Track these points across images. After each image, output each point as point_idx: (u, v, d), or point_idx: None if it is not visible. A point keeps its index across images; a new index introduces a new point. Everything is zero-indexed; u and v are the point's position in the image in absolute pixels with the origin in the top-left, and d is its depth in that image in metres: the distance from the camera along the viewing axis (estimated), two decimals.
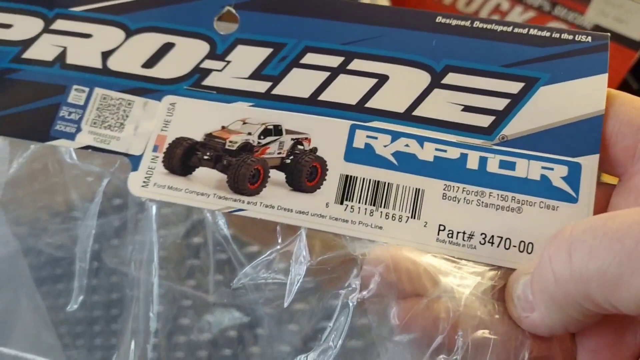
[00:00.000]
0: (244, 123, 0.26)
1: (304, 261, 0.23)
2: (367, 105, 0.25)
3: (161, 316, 0.26)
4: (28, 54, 0.28)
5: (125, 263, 0.25)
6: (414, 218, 0.24)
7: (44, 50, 0.28)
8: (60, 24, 0.28)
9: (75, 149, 0.26)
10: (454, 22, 0.26)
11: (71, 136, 0.26)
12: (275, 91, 0.26)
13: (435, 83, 0.25)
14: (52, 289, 0.28)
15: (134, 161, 0.25)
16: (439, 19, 0.27)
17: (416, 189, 0.24)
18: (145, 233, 0.25)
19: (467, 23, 0.26)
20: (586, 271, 0.19)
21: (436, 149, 0.24)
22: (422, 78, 0.26)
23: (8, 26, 0.29)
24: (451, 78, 0.25)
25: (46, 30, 0.28)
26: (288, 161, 0.25)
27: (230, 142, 0.25)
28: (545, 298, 0.21)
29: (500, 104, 0.25)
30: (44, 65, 0.27)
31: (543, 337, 0.22)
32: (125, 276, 0.26)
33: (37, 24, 0.28)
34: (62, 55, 0.28)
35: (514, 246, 0.23)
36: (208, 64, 0.27)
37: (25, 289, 0.29)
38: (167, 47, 0.27)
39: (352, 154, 0.25)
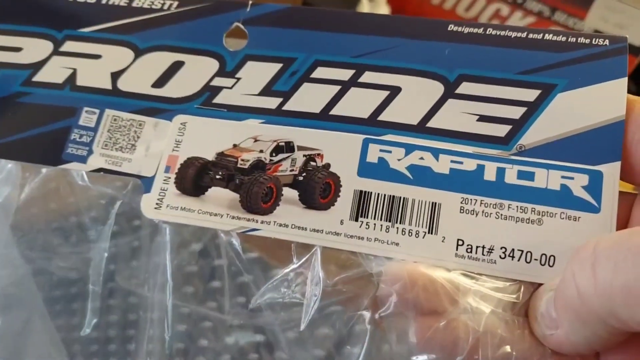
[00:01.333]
0: (256, 140, 0.25)
1: (320, 281, 0.23)
2: (380, 118, 0.25)
3: (176, 338, 0.25)
4: (38, 77, 0.28)
5: (139, 285, 0.25)
6: (431, 233, 0.23)
7: (54, 72, 0.28)
8: (69, 46, 0.28)
9: (87, 172, 0.26)
10: (467, 29, 0.26)
11: (83, 159, 0.26)
12: (286, 107, 0.26)
13: (449, 93, 0.25)
14: (65, 311, 0.28)
15: (146, 183, 0.25)
16: (451, 27, 0.26)
17: (432, 203, 0.23)
18: (160, 254, 0.24)
19: (480, 30, 0.26)
20: (610, 287, 0.18)
21: (452, 161, 0.24)
22: (436, 88, 0.25)
23: (18, 49, 0.29)
24: (465, 87, 0.25)
25: (55, 52, 0.28)
26: (301, 178, 0.25)
27: (242, 160, 0.25)
28: (569, 315, 0.20)
29: (516, 112, 0.24)
30: (55, 88, 0.27)
31: None
32: (140, 298, 0.25)
33: (46, 47, 0.28)
34: (72, 77, 0.27)
35: (535, 259, 0.22)
36: (218, 81, 0.26)
37: (36, 311, 0.29)
38: (176, 66, 0.27)
39: (366, 169, 0.24)
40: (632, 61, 0.40)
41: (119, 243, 0.26)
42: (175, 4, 0.28)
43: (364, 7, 0.59)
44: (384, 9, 0.62)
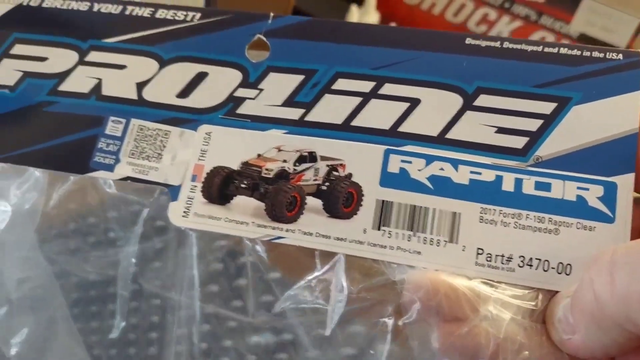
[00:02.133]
0: (279, 150, 0.26)
1: (343, 288, 0.23)
2: (400, 129, 0.26)
3: (204, 340, 0.26)
4: (64, 87, 0.28)
5: (166, 288, 0.26)
6: (452, 242, 0.24)
7: (79, 82, 0.28)
8: (94, 56, 0.29)
9: (114, 180, 0.26)
10: (484, 43, 0.27)
11: (110, 167, 0.26)
12: (308, 118, 0.26)
13: (468, 105, 0.26)
14: (93, 316, 0.29)
15: (173, 191, 0.26)
16: (469, 41, 0.27)
17: (453, 212, 0.24)
18: (186, 260, 0.25)
19: (497, 44, 0.26)
20: (628, 293, 0.19)
21: (471, 172, 0.25)
22: (454, 100, 0.26)
23: (43, 59, 0.29)
24: (483, 100, 0.26)
25: (81, 62, 0.29)
26: (324, 187, 0.26)
27: (267, 169, 0.26)
28: (587, 320, 0.21)
29: (533, 124, 0.25)
30: (81, 97, 0.28)
31: None
32: (166, 300, 0.26)
33: (71, 56, 0.29)
34: (98, 87, 0.28)
35: (553, 268, 0.23)
36: (241, 92, 0.27)
37: (63, 314, 0.29)
38: (200, 77, 0.28)
39: (387, 179, 0.25)
40: None
41: (145, 249, 0.26)
42: (198, 15, 0.29)
43: (354, 14, 0.59)
44: (373, 15, 0.63)
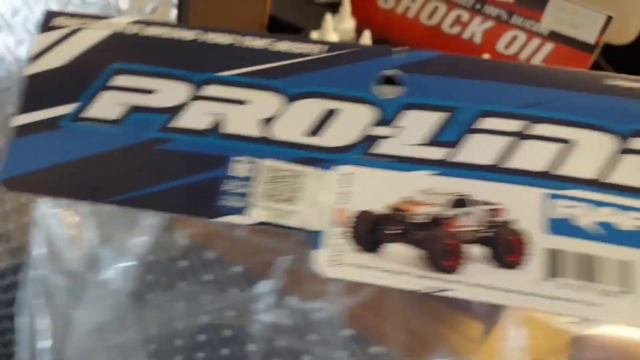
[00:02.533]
0: (428, 193, 0.24)
1: (518, 343, 0.21)
2: (558, 172, 0.24)
3: None
4: (178, 122, 0.26)
5: (306, 342, 0.24)
6: (628, 293, 0.22)
7: (195, 117, 0.26)
8: (210, 90, 0.27)
9: (247, 224, 0.24)
10: (623, 83, 0.26)
11: (241, 211, 0.24)
12: (455, 158, 0.25)
13: (624, 148, 0.24)
14: None
15: (316, 237, 0.23)
16: (607, 81, 0.26)
17: (626, 261, 0.23)
18: (332, 314, 0.23)
19: (637, 85, 0.26)
20: None
21: (637, 218, 0.23)
22: (609, 142, 0.24)
23: (150, 92, 0.27)
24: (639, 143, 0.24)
25: (195, 96, 0.26)
26: (483, 234, 0.24)
27: (418, 215, 0.24)
28: None
29: None
30: (198, 135, 0.26)
31: None
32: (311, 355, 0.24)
33: (183, 90, 0.27)
34: (218, 123, 0.26)
35: None
36: (377, 130, 0.25)
37: None
38: (330, 113, 0.26)
39: (553, 225, 0.23)
40: (588, 58, 0.41)
41: (285, 300, 0.24)
42: (325, 48, 0.27)
43: (328, 22, 0.58)
44: (349, 22, 0.61)
